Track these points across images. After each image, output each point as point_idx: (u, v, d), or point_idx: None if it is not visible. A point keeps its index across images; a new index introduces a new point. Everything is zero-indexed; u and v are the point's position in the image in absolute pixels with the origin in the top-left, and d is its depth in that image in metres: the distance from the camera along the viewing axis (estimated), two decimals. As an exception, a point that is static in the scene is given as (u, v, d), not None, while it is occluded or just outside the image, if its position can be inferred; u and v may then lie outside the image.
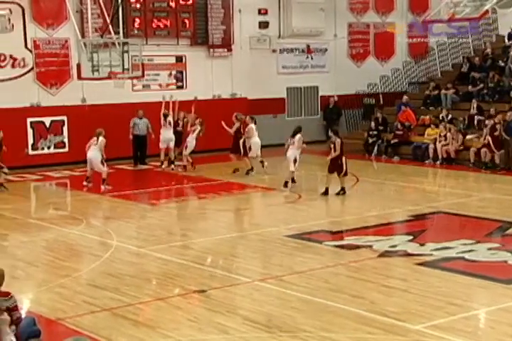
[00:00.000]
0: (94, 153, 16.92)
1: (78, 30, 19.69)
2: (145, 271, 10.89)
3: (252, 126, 19.01)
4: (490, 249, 11.63)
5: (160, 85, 22.64)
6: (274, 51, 24.43)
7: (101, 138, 16.94)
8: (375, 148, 22.62)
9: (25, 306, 9.07)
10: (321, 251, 11.82)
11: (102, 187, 16.89)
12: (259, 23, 23.98)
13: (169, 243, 12.46)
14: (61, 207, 16.07)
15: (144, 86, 22.29)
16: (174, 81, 22.90)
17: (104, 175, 16.99)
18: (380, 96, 25.65)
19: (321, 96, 25.53)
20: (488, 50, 24.52)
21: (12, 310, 6.74)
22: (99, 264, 11.17)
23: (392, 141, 22.30)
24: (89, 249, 12.30)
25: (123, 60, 17.69)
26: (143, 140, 20.68)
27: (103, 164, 17.00)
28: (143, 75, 19.67)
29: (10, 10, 20.00)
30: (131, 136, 20.52)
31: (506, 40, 24.88)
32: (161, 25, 22.30)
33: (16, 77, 20.42)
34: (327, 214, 14.57)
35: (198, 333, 8.31)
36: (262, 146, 19.12)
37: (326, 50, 25.47)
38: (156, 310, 9.10)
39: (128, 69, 17.90)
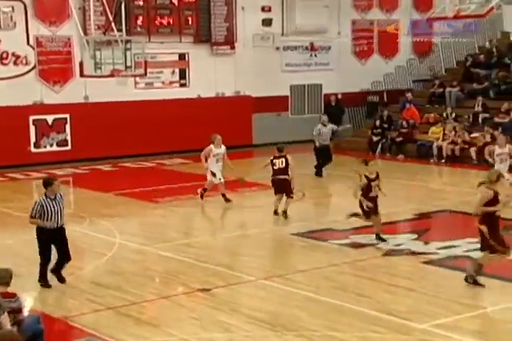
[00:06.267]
0: None
1: (81, 27, 19.64)
2: (147, 268, 10.81)
3: None
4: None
5: (163, 83, 22.56)
6: (277, 49, 24.32)
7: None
8: (379, 146, 22.52)
9: (29, 304, 9.01)
10: (327, 249, 11.74)
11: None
12: (263, 20, 23.84)
13: (173, 241, 12.39)
14: (65, 205, 15.94)
15: (146, 84, 22.20)
16: (177, 79, 22.80)
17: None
18: (385, 94, 25.53)
19: (324, 95, 25.41)
20: (493, 47, 24.43)
21: (17, 312, 6.68)
22: (102, 262, 11.10)
23: (396, 139, 22.21)
24: (92, 247, 12.23)
25: (126, 58, 17.60)
26: (328, 149, 18.35)
27: None
28: (145, 73, 19.59)
29: (12, 7, 19.97)
30: (317, 144, 18.29)
31: (512, 37, 24.76)
32: (164, 23, 22.20)
33: (18, 75, 20.34)
34: (332, 213, 14.47)
35: (202, 331, 8.24)
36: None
37: (330, 47, 25.37)
38: (160, 308, 9.04)
39: (131, 67, 17.82)
